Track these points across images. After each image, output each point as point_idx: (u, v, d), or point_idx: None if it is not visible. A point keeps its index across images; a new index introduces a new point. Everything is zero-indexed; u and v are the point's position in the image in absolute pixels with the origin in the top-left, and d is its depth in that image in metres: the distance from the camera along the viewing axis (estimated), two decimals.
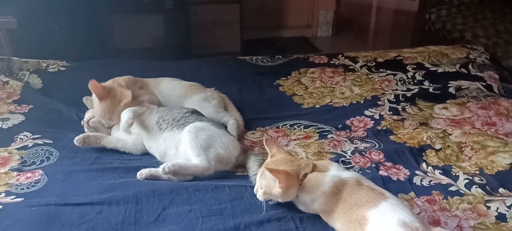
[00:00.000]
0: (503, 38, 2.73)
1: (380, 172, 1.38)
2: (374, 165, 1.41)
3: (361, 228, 0.96)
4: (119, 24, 3.67)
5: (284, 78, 2.03)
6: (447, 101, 1.77)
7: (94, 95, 1.54)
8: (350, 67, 2.11)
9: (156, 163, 1.43)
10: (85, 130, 1.55)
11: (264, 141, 1.26)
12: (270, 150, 1.21)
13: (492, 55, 2.40)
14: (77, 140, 1.48)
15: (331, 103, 1.83)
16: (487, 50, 2.37)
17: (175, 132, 1.43)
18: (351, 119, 1.71)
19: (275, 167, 1.11)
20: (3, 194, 1.25)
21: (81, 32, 3.09)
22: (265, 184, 1.13)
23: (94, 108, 1.58)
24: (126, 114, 1.46)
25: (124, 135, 1.52)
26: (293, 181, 1.09)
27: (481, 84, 1.88)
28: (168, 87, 1.73)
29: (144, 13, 3.77)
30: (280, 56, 2.23)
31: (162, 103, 1.66)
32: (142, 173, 1.34)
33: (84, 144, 1.48)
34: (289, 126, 1.68)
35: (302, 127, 1.66)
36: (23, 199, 1.23)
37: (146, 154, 1.51)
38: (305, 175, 1.10)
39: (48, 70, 1.99)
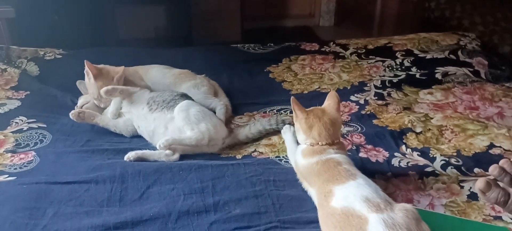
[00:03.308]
0: (500, 25, 2.71)
1: (360, 154, 1.42)
2: (354, 147, 1.45)
3: (326, 201, 1.01)
4: (122, 15, 3.72)
5: (274, 65, 2.06)
6: (432, 87, 1.79)
7: (88, 76, 1.60)
8: (340, 54, 2.14)
9: (145, 146, 1.49)
10: (74, 119, 1.55)
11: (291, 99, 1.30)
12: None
13: (488, 42, 2.40)
14: (72, 113, 1.53)
15: (319, 89, 1.86)
16: (483, 37, 2.37)
17: (165, 112, 1.49)
18: None
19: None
20: None
21: (83, 22, 3.12)
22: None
23: (89, 90, 1.64)
24: (115, 104, 1.55)
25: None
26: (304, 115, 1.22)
27: (469, 70, 1.90)
28: (158, 75, 1.76)
29: (146, 4, 3.81)
30: (272, 44, 2.26)
31: (152, 91, 1.70)
32: (130, 156, 1.39)
33: (78, 118, 1.54)
34: (276, 110, 1.72)
35: (288, 111, 1.69)
36: (15, 177, 1.29)
37: (135, 136, 1.56)
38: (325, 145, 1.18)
39: (45, 58, 2.04)
